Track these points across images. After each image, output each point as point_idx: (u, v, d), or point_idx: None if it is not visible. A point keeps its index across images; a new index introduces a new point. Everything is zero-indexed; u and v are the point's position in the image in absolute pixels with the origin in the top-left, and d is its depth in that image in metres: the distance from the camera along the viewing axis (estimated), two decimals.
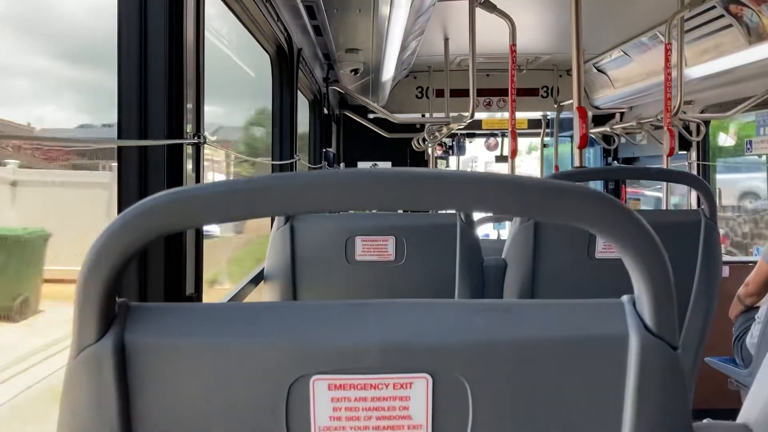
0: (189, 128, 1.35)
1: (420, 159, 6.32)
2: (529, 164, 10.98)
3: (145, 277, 1.23)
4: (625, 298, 0.60)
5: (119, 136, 1.23)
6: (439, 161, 7.12)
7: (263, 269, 1.92)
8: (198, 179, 1.40)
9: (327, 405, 0.58)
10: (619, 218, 0.55)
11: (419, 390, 0.58)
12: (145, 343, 0.58)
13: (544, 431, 0.58)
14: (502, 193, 0.55)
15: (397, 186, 0.55)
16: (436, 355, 0.57)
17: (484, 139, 7.52)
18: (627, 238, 0.56)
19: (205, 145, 1.44)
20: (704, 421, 0.66)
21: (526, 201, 0.55)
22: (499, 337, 0.58)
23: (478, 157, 8.03)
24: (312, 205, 0.56)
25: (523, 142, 7.13)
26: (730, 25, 3.45)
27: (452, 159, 7.48)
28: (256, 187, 0.55)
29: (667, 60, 3.47)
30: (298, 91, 3.17)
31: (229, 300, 1.81)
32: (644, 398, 0.57)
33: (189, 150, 1.35)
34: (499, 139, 7.28)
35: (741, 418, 0.61)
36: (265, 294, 1.89)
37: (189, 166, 1.35)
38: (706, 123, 4.73)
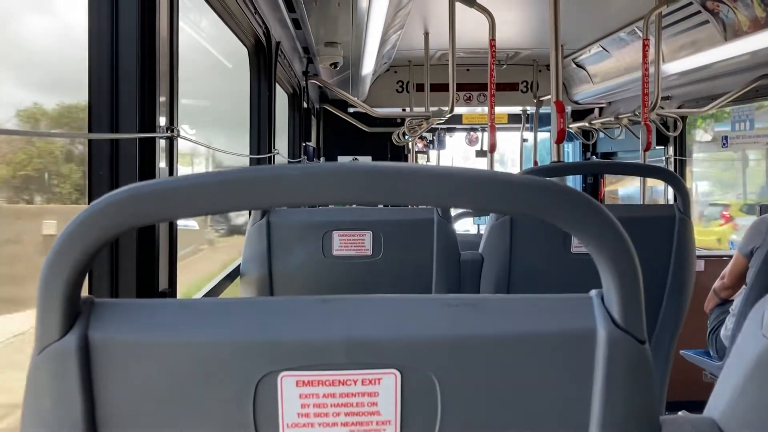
0: (162, 122, 1.32)
1: (400, 153, 6.31)
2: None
3: (116, 274, 1.21)
4: (593, 292, 0.60)
5: (90, 129, 1.21)
6: (419, 155, 7.12)
7: (239, 265, 1.90)
8: (171, 174, 1.37)
9: (295, 401, 0.57)
10: (587, 213, 0.55)
11: (388, 386, 0.57)
12: (110, 340, 0.57)
13: (512, 425, 0.58)
14: (469, 188, 0.54)
15: (344, 180, 0.54)
16: (405, 350, 0.57)
17: (465, 134, 7.53)
18: (595, 234, 0.56)
19: (182, 139, 1.42)
20: (679, 413, 0.66)
21: (492, 195, 0.55)
22: (468, 332, 0.58)
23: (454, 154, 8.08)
24: (283, 198, 0.55)
25: (512, 137, 7.13)
26: (707, 22, 3.48)
27: (432, 153, 7.48)
28: (216, 180, 0.54)
29: (645, 55, 3.50)
30: (277, 85, 3.14)
31: (204, 296, 1.79)
32: (612, 391, 0.57)
33: (162, 144, 1.33)
34: (480, 134, 7.29)
35: (708, 410, 0.62)
36: (241, 290, 1.87)
37: (162, 160, 1.33)
38: (683, 118, 4.78)
